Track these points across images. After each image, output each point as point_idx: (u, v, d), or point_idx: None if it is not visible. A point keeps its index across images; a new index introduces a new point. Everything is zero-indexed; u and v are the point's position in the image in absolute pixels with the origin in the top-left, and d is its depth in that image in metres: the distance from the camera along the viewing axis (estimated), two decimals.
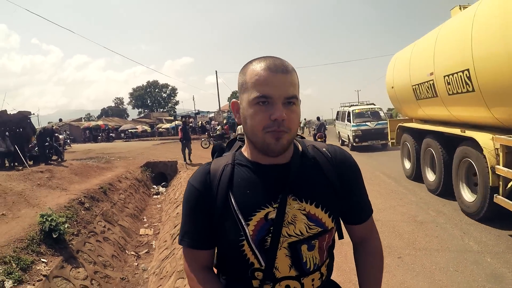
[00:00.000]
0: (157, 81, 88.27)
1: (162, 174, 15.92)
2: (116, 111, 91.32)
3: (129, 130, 48.72)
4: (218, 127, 32.59)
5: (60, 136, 16.38)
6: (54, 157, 14.34)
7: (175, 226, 7.50)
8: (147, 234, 9.10)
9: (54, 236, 5.93)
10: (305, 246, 1.23)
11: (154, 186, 14.69)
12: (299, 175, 1.28)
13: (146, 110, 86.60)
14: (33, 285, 4.82)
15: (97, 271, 6.28)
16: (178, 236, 1.33)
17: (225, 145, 1.57)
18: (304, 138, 1.52)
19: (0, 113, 13.33)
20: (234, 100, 1.32)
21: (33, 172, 10.37)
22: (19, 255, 5.26)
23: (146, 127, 53.12)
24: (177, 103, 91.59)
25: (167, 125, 52.77)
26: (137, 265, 7.28)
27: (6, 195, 7.85)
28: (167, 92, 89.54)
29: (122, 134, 47.62)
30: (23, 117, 13.97)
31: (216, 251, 1.37)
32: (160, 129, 50.66)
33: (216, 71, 43.84)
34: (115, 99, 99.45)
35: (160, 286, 5.55)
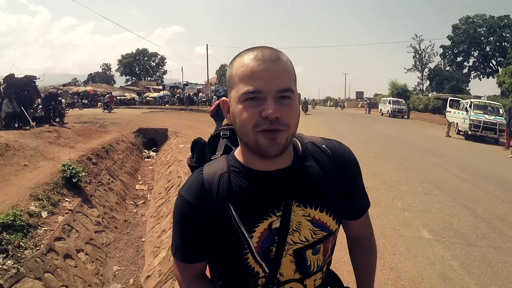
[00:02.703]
0: (146, 49, 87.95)
1: (152, 140, 17.31)
2: (103, 77, 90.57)
3: (117, 97, 49.31)
4: (106, 96, 35.34)
5: (63, 100, 17.61)
6: (56, 120, 15.61)
7: (168, 181, 9.00)
8: (142, 189, 10.60)
9: (74, 181, 7.39)
10: (310, 251, 1.21)
11: (146, 151, 16.12)
12: (302, 179, 1.20)
13: (133, 78, 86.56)
14: (63, 216, 6.30)
15: (106, 212, 7.78)
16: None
17: (205, 140, 1.48)
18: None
19: (7, 76, 14.56)
20: (224, 98, 1.21)
21: (42, 132, 11.74)
22: (48, 194, 6.71)
23: (134, 95, 53.69)
24: (165, 72, 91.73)
25: (155, 94, 53.34)
26: (136, 211, 8.79)
27: (24, 150, 9.22)
28: (156, 61, 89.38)
29: None
30: (29, 81, 15.19)
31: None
32: (148, 98, 51.22)
33: (207, 45, 45.03)
34: (102, 65, 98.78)
35: (158, 224, 7.07)
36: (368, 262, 1.51)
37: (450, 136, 21.09)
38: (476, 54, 55.08)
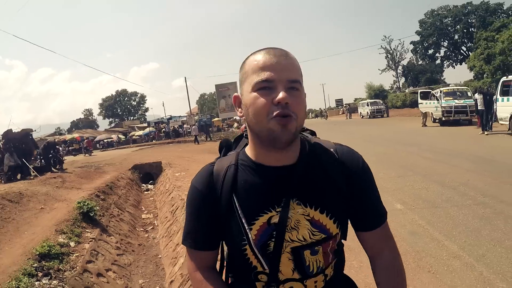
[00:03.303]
0: (126, 89, 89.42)
1: (148, 174, 18.16)
2: (86, 122, 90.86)
3: (105, 140, 50.21)
4: (85, 141, 38.32)
5: (60, 148, 18.57)
6: (57, 167, 16.47)
7: (173, 205, 9.90)
8: (148, 217, 11.46)
9: (91, 215, 8.30)
10: (308, 251, 1.22)
11: (143, 185, 16.98)
12: (304, 178, 1.24)
13: (116, 120, 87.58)
14: (88, 243, 7.18)
15: (122, 239, 8.66)
16: (182, 234, 1.38)
17: (232, 140, 1.52)
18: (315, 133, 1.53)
19: (6, 132, 15.55)
20: (235, 94, 1.30)
21: (47, 179, 12.62)
22: (71, 228, 7.59)
23: (120, 136, 54.61)
24: (147, 109, 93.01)
25: (140, 132, 54.30)
26: (147, 236, 9.66)
27: (37, 196, 10.08)
28: (136, 100, 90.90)
29: (97, 145, 49.02)
30: (26, 134, 16.22)
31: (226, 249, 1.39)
32: (134, 137, 52.16)
33: (185, 78, 46.57)
34: (84, 111, 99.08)
35: (171, 241, 7.96)
36: (392, 282, 1.33)
37: (426, 126, 22.59)
38: (446, 44, 57.09)
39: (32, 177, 13.88)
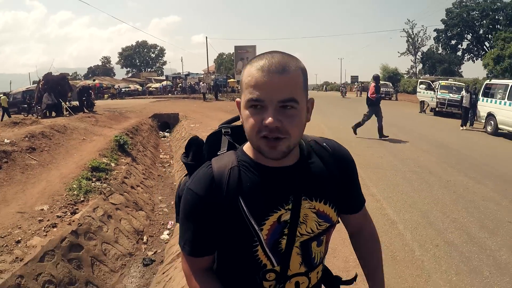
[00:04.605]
0: (146, 41, 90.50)
1: (166, 123, 20.61)
2: (103, 70, 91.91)
3: (125, 89, 52.02)
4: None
5: (92, 92, 20.96)
6: (88, 109, 18.94)
7: None
8: (165, 157, 13.95)
9: (125, 147, 10.76)
10: (315, 242, 1.28)
11: (161, 132, 19.45)
12: (307, 174, 1.27)
13: (134, 70, 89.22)
14: (124, 166, 9.65)
15: (146, 169, 11.12)
16: (179, 239, 1.31)
17: (202, 139, 1.48)
18: None
19: (46, 74, 17.99)
20: (238, 99, 1.22)
21: (83, 117, 15.15)
22: (111, 154, 10.03)
23: (138, 86, 56.59)
24: (164, 63, 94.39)
25: (157, 85, 56.07)
26: (165, 170, 12.14)
27: (78, 129, 12.51)
28: (155, 52, 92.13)
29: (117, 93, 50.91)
30: (63, 77, 18.69)
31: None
32: (150, 88, 54.04)
33: (206, 37, 48.33)
34: (102, 58, 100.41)
35: (184, 174, 10.41)
36: (373, 251, 1.56)
37: (424, 113, 24.61)
38: (469, 37, 56.04)
39: (68, 115, 16.37)
